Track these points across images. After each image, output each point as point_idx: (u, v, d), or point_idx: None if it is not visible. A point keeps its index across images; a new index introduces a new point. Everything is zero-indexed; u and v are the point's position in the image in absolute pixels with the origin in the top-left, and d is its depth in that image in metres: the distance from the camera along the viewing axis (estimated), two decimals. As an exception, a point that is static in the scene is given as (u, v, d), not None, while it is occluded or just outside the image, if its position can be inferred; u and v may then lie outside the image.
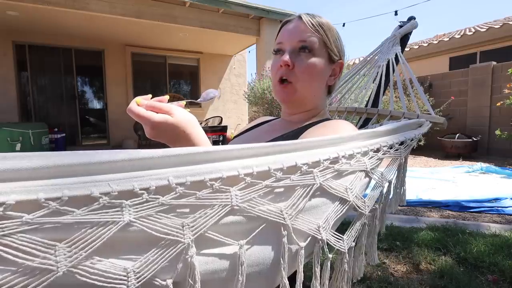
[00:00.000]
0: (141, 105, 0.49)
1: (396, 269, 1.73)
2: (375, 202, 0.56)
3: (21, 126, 5.04)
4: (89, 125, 7.45)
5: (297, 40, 0.65)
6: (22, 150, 4.81)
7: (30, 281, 0.26)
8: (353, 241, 0.51)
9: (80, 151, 0.30)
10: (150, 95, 0.52)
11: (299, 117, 0.72)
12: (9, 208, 0.25)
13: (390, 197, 0.64)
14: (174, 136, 0.49)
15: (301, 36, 0.65)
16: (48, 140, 5.81)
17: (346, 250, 0.49)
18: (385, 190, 0.60)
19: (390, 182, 0.59)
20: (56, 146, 6.04)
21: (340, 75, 0.74)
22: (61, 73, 6.89)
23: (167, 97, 0.52)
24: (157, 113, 0.48)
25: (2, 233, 0.25)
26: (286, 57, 0.64)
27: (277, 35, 0.71)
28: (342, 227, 0.51)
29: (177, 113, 0.49)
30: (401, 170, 0.66)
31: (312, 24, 0.65)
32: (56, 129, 6.09)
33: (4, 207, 0.25)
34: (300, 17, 0.67)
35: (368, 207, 0.52)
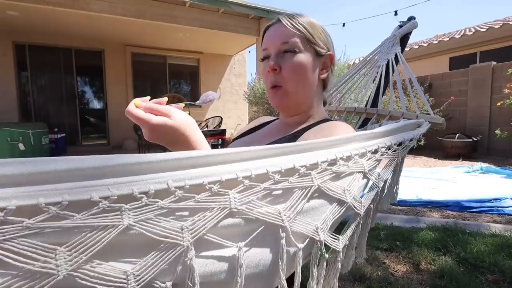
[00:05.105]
0: (140, 107, 0.48)
1: (396, 269, 1.73)
2: (371, 202, 0.56)
3: (21, 126, 5.04)
4: (89, 125, 7.45)
5: (280, 42, 0.66)
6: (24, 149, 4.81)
7: (31, 285, 0.26)
8: (347, 240, 0.52)
9: (79, 157, 0.30)
10: (148, 97, 0.51)
11: (297, 118, 0.72)
12: (10, 213, 0.26)
13: (383, 195, 0.64)
14: (173, 138, 0.49)
15: (283, 38, 0.65)
16: (48, 140, 5.80)
17: (341, 249, 0.50)
18: (380, 190, 0.60)
19: (385, 182, 0.59)
20: (56, 146, 6.03)
21: (333, 68, 0.73)
22: (61, 73, 6.90)
23: (165, 99, 0.51)
24: (155, 115, 0.48)
25: (3, 237, 0.25)
26: (272, 62, 0.65)
27: (261, 42, 0.71)
28: (337, 226, 0.51)
29: (176, 115, 0.48)
30: (397, 170, 0.66)
31: (292, 24, 0.66)
32: (56, 129, 6.08)
33: (5, 212, 0.25)
34: (279, 20, 0.68)
35: (364, 207, 0.52)
